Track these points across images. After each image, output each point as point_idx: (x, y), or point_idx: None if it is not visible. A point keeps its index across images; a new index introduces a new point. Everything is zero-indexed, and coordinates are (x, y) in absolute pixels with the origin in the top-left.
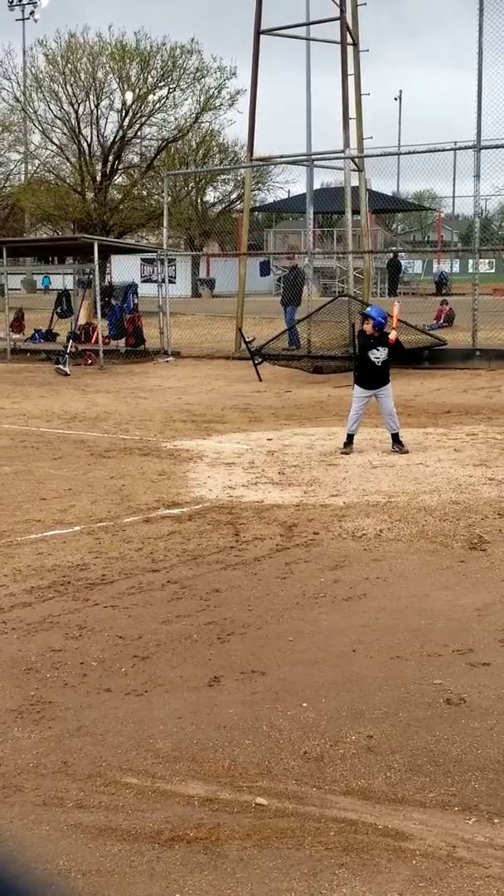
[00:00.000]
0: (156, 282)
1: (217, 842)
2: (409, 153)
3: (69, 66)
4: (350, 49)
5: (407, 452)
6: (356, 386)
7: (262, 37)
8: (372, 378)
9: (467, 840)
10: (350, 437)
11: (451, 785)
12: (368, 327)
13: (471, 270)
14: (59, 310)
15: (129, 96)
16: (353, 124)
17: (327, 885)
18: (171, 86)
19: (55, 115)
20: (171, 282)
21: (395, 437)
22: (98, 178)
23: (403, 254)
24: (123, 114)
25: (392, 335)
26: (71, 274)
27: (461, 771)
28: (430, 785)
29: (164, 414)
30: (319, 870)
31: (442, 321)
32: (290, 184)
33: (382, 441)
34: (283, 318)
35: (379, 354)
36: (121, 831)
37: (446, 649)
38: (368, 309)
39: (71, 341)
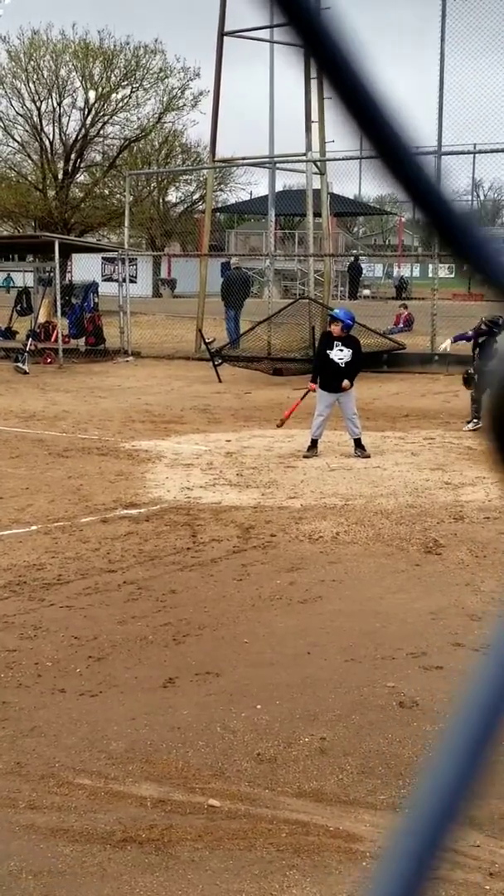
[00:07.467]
0: (117, 281)
1: (169, 843)
2: (371, 157)
3: (32, 62)
4: None
5: (368, 457)
6: (319, 389)
7: (225, 38)
8: (334, 380)
9: None
10: (314, 442)
11: (402, 787)
12: (337, 328)
13: (430, 275)
14: (18, 308)
15: (91, 95)
16: (315, 127)
17: (278, 886)
18: (133, 85)
19: (17, 112)
20: (132, 281)
21: (357, 442)
22: (60, 176)
23: (364, 257)
24: (86, 112)
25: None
26: (31, 272)
27: (412, 773)
28: (381, 787)
29: (123, 414)
30: (270, 871)
31: (401, 325)
32: (252, 185)
33: (341, 444)
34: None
35: (342, 355)
36: (73, 832)
37: (400, 652)
38: (336, 311)
39: (30, 339)
